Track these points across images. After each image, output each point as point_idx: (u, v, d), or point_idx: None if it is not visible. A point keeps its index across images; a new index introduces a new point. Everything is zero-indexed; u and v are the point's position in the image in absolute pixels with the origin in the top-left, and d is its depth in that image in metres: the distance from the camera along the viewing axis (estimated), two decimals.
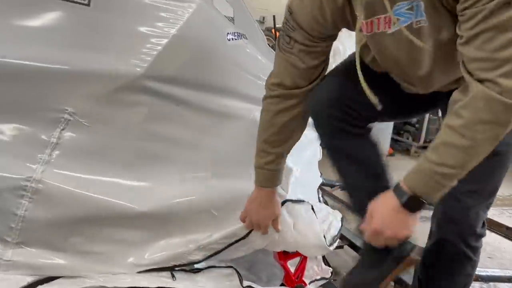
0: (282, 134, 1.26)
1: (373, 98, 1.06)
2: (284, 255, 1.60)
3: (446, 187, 0.94)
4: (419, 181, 0.95)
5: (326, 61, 1.20)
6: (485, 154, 0.90)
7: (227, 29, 1.59)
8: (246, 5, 1.96)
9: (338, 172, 1.25)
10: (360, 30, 1.05)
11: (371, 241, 1.04)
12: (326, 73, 1.22)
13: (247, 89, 1.58)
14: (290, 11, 1.11)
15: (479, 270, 1.96)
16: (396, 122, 4.63)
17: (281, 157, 1.31)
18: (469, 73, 0.87)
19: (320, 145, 1.25)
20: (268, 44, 2.05)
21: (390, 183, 1.19)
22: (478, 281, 1.98)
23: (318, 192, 1.88)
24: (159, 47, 1.35)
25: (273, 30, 5.37)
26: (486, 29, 0.83)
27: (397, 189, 0.97)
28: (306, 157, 1.85)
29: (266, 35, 2.51)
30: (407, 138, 5.10)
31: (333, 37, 1.16)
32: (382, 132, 4.28)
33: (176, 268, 1.36)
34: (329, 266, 1.78)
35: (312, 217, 1.57)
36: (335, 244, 1.65)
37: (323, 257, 1.78)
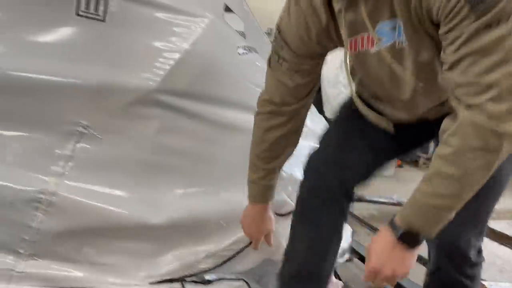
0: (274, 151, 1.25)
1: (385, 123, 1.04)
2: None
3: (442, 219, 0.90)
4: (413, 214, 0.91)
5: (315, 80, 1.19)
6: (480, 183, 0.86)
7: (238, 43, 1.61)
8: (255, 18, 1.98)
9: (292, 231, 1.23)
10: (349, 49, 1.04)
11: (370, 281, 0.99)
12: (315, 93, 1.22)
13: None
14: (278, 29, 1.11)
15: (490, 284, 1.95)
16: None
17: (273, 172, 1.29)
18: (457, 99, 0.85)
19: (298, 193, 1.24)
20: None
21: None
22: None
23: None
24: (172, 62, 1.37)
25: None
26: (469, 53, 0.80)
27: (392, 224, 0.93)
28: None
29: None
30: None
31: (322, 55, 1.14)
32: None
33: (187, 279, 1.37)
34: (340, 279, 1.78)
35: None
36: (345, 257, 1.64)
37: (333, 270, 1.78)
